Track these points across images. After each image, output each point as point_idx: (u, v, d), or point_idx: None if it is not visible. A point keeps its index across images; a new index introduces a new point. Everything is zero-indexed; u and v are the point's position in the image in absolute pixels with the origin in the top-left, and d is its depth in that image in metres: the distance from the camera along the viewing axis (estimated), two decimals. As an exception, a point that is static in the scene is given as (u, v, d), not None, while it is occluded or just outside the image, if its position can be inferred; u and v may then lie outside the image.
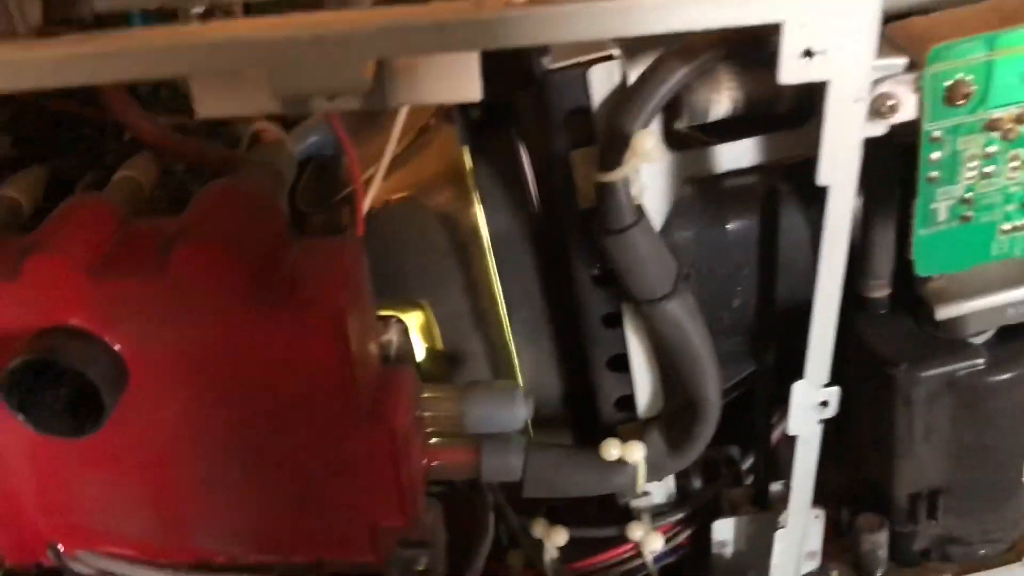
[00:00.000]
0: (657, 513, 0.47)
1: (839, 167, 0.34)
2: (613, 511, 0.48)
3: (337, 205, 0.47)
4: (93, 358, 0.36)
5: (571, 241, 0.40)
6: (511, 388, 0.42)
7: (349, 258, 0.39)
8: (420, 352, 0.47)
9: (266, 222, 0.37)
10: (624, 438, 0.43)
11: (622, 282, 0.39)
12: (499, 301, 0.43)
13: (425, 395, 0.42)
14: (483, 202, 0.42)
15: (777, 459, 0.46)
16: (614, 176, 0.35)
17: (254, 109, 0.33)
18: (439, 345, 0.47)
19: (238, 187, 0.38)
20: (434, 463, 0.42)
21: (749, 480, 0.48)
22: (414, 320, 0.46)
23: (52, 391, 0.36)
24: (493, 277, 0.43)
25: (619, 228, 0.36)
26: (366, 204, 0.43)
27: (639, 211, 0.37)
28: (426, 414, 0.42)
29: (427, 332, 0.47)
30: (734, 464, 0.50)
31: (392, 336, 0.46)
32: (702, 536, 0.47)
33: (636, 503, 0.47)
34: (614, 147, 0.35)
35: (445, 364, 0.47)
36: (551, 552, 0.44)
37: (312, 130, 0.48)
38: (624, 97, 0.35)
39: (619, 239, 0.37)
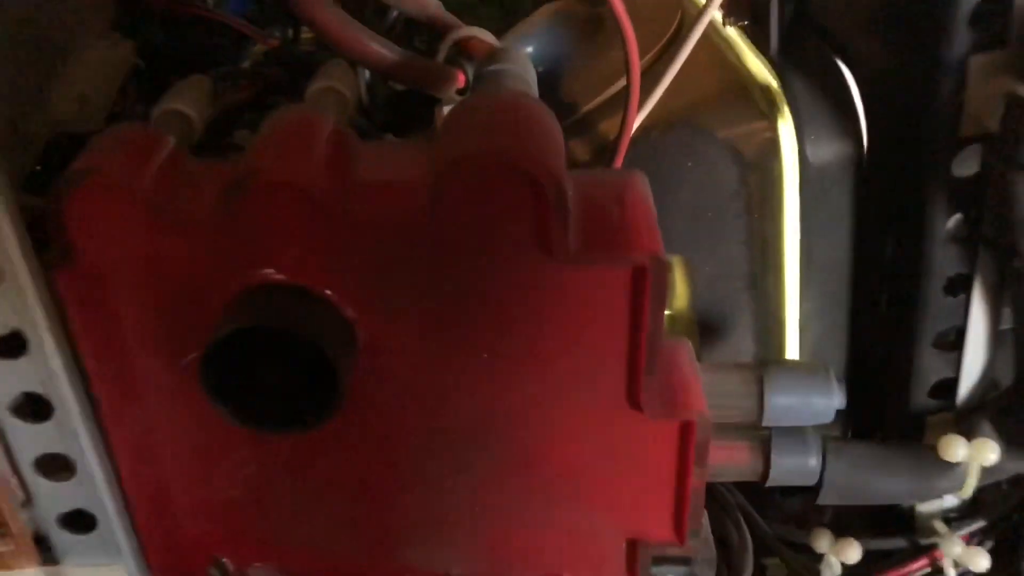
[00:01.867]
0: (947, 520, 0.38)
1: None
2: (887, 517, 0.39)
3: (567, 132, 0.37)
4: (327, 327, 0.27)
5: (933, 179, 0.30)
6: (822, 370, 0.33)
7: (643, 193, 0.29)
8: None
9: (552, 145, 0.28)
10: (937, 431, 0.34)
11: (1008, 232, 0.29)
12: (788, 258, 0.34)
13: (707, 374, 0.32)
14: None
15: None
16: (1050, 88, 0.26)
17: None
18: (683, 311, 0.38)
19: (513, 100, 0.29)
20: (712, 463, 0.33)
21: None
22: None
23: (267, 371, 0.27)
24: (787, 227, 0.34)
25: (1040, 160, 0.27)
26: (637, 121, 0.33)
27: (1065, 140, 0.28)
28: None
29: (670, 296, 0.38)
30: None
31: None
32: (1004, 546, 0.38)
33: (924, 507, 0.38)
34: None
35: (689, 336, 0.37)
36: (833, 568, 0.35)
37: (525, 39, 0.38)
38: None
39: (1036, 175, 0.28)
